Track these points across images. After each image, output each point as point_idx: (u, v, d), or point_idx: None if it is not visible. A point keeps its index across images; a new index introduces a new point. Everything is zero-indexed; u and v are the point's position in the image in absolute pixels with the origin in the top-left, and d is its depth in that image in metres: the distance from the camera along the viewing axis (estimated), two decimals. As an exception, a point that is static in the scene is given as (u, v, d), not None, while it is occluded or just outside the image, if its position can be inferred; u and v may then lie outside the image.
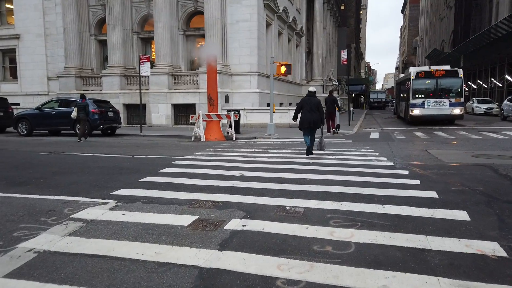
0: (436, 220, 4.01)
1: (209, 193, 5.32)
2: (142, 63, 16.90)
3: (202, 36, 21.54)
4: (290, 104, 26.94)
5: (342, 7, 60.51)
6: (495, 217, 4.11)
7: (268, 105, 17.09)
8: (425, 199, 4.83)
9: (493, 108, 27.52)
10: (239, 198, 5.04)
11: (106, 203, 4.90)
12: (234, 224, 4.00)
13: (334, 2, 46.84)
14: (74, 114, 14.03)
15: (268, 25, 24.18)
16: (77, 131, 15.53)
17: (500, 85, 32.91)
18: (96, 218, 4.28)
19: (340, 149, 10.41)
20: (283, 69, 15.18)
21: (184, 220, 4.17)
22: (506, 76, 31.08)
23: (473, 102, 29.94)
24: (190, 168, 7.41)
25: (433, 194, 5.02)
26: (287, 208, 4.57)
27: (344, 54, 20.47)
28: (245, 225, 3.95)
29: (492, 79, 35.12)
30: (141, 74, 17.11)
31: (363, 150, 10.17)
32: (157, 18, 21.06)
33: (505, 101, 22.74)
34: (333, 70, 42.76)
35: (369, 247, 3.34)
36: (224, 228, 3.88)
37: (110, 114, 16.18)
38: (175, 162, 8.14)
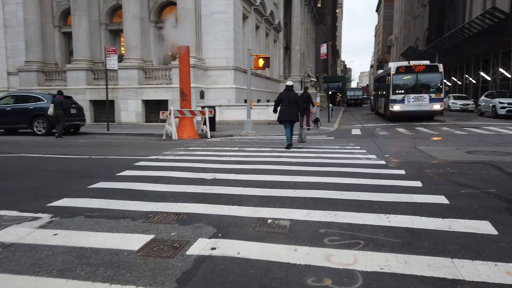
0: (457, 235, 3.19)
1: (173, 202, 4.33)
2: (108, 56, 15.56)
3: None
4: (268, 101, 25.99)
5: (319, 5, 60.20)
6: (526, 228, 3.32)
7: (245, 101, 16.10)
8: (434, 205, 4.00)
9: (469, 104, 27.70)
10: (209, 208, 4.08)
11: (37, 218, 3.84)
12: (201, 246, 3.05)
13: (311, -2, 46.28)
14: (50, 111, 13.05)
15: (244, 17, 23.14)
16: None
17: (475, 81, 33.24)
18: (17, 241, 3.23)
19: (323, 147, 9.60)
20: (261, 62, 14.23)
21: (135, 241, 3.17)
22: (481, 73, 31.37)
23: (449, 98, 30.01)
24: (154, 170, 6.37)
25: (442, 199, 4.21)
26: (269, 221, 3.65)
27: (324, 48, 19.77)
28: (215, 248, 3.00)
29: (466, 75, 35.46)
30: (107, 68, 15.77)
31: (348, 147, 9.40)
32: (126, 8, 19.65)
33: (482, 97, 22.66)
34: (311, 66, 42.18)
35: (382, 279, 2.46)
36: (187, 253, 2.92)
37: (73, 111, 14.75)
38: (137, 164, 7.05)
